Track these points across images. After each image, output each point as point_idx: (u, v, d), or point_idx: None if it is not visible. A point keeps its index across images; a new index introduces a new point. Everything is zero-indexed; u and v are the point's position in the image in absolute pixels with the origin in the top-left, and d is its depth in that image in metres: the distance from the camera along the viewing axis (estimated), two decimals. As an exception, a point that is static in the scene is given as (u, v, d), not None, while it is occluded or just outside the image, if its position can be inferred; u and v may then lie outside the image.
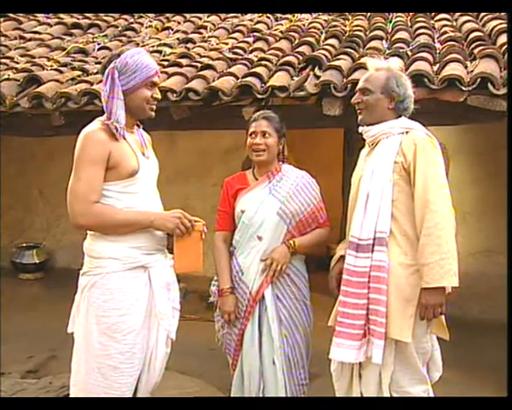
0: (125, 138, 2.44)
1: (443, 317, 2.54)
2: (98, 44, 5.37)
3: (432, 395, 2.67)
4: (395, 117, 2.62)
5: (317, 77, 3.86)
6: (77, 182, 2.36)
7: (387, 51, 4.16)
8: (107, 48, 5.30)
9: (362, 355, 2.51)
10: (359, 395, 2.62)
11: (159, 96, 2.57)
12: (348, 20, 5.39)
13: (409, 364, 2.54)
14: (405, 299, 2.47)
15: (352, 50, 4.29)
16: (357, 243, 2.55)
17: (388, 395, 2.54)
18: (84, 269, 2.48)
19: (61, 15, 6.39)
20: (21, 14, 6.34)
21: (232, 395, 3.05)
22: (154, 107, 2.55)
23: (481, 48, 3.82)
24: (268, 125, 2.94)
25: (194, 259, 2.54)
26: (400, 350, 2.51)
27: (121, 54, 2.44)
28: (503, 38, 3.97)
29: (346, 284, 2.56)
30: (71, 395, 2.50)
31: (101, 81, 3.32)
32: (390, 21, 5.10)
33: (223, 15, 6.10)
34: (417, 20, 5.01)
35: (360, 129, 2.71)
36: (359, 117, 2.69)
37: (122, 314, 2.39)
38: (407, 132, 2.56)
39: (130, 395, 2.47)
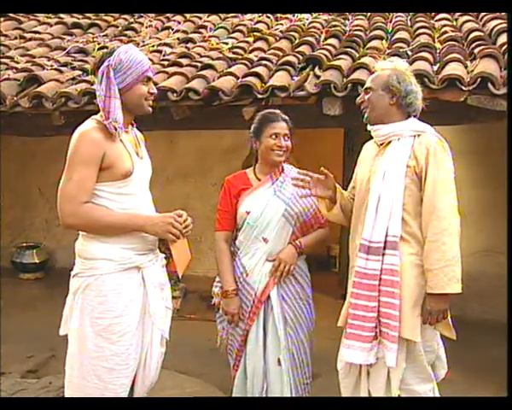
0: (120, 139, 2.40)
1: (448, 317, 2.55)
2: (98, 44, 5.37)
3: (437, 393, 2.67)
4: (402, 116, 2.61)
5: (317, 77, 3.86)
6: (68, 181, 2.33)
7: (387, 51, 4.16)
8: (107, 48, 5.30)
9: (372, 357, 2.51)
10: (367, 393, 2.62)
11: (155, 90, 2.53)
12: (348, 19, 5.39)
13: (416, 362, 2.54)
14: (414, 299, 2.49)
15: (352, 50, 4.29)
16: (368, 246, 2.53)
17: (397, 394, 2.54)
18: (75, 270, 2.44)
19: (61, 15, 6.39)
20: (21, 14, 6.34)
21: (234, 396, 3.05)
22: (151, 102, 2.52)
23: (481, 48, 3.83)
24: (288, 128, 2.94)
25: (187, 255, 2.57)
26: (409, 350, 2.51)
27: (113, 52, 2.39)
28: (503, 38, 3.97)
29: (356, 286, 2.55)
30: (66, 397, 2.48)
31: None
32: (390, 21, 5.11)
33: (223, 15, 6.09)
34: (417, 19, 5.01)
35: (369, 127, 2.70)
36: (365, 116, 2.70)
37: (117, 316, 2.36)
38: (418, 135, 2.55)
39: (126, 396, 2.45)
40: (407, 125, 2.59)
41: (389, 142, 2.61)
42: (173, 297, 2.81)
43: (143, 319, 2.46)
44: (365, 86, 2.71)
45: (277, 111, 3.01)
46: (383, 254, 2.50)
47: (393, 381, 2.53)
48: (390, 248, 2.50)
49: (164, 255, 2.62)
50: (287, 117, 2.97)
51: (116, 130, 2.35)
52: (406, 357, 2.52)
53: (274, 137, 2.91)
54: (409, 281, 2.49)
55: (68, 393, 2.45)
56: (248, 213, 2.91)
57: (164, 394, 3.50)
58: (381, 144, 2.66)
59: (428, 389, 2.60)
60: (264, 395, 2.93)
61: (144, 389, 2.57)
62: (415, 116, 2.65)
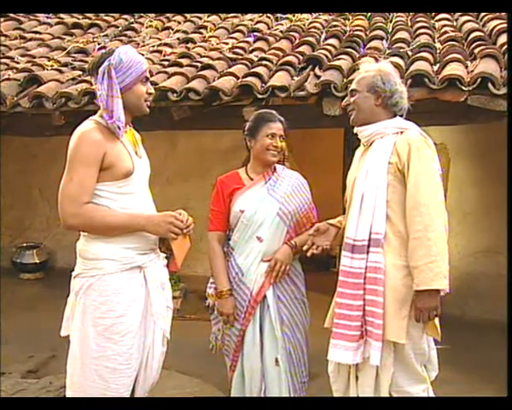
0: (119, 138, 2.41)
1: (436, 318, 2.51)
2: (98, 44, 5.37)
3: (432, 393, 2.67)
4: (387, 116, 2.61)
5: (318, 77, 3.86)
6: (69, 182, 2.33)
7: (388, 51, 4.16)
8: (106, 48, 5.30)
9: (359, 356, 2.50)
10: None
11: (153, 90, 2.54)
12: (348, 19, 5.39)
13: (406, 364, 2.53)
14: (400, 300, 2.46)
15: (352, 50, 4.29)
16: (353, 244, 2.53)
17: (387, 396, 2.53)
18: (77, 271, 2.44)
19: (62, 15, 6.38)
20: (22, 14, 6.34)
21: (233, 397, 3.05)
22: (149, 103, 2.52)
23: (482, 48, 3.83)
24: (283, 129, 2.95)
25: (186, 245, 2.56)
26: (397, 351, 2.50)
27: (112, 52, 2.39)
28: (503, 38, 3.97)
29: (341, 285, 2.55)
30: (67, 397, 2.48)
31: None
32: (390, 21, 5.11)
33: (223, 15, 6.10)
34: (417, 19, 5.01)
35: (355, 129, 2.71)
36: (350, 118, 2.71)
37: (119, 316, 2.37)
38: (401, 133, 2.55)
39: (128, 396, 2.46)
40: (391, 123, 2.59)
41: (373, 141, 2.61)
42: (173, 297, 2.81)
43: (145, 319, 2.47)
44: (351, 88, 2.72)
45: (273, 111, 3.02)
46: (368, 252, 2.49)
47: (383, 385, 2.52)
48: (374, 245, 2.48)
49: (165, 255, 2.63)
50: (282, 118, 2.98)
51: (120, 129, 2.36)
52: (396, 359, 2.50)
53: (271, 137, 2.91)
54: (393, 282, 2.47)
55: (69, 393, 2.45)
56: (242, 211, 2.91)
57: (164, 394, 3.50)
58: (367, 144, 2.66)
59: (422, 390, 2.59)
60: (262, 396, 2.93)
61: (145, 389, 2.57)
62: (401, 116, 2.64)
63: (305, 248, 2.77)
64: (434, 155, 2.53)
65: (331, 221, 2.81)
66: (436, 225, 2.40)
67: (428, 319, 2.43)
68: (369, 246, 2.50)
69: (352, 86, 2.70)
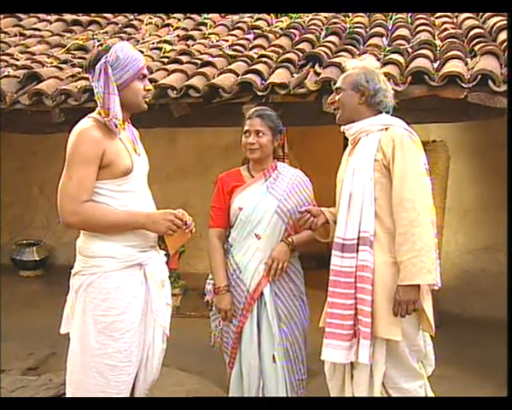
0: (118, 136, 2.41)
1: (430, 313, 2.53)
2: (98, 41, 5.36)
3: (429, 388, 2.68)
4: (372, 113, 2.62)
5: (318, 74, 3.86)
6: (68, 181, 2.33)
7: (388, 48, 4.16)
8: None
9: (352, 355, 2.50)
10: (351, 396, 2.61)
11: (150, 86, 2.55)
12: (348, 17, 5.38)
13: (401, 361, 2.54)
14: (391, 297, 2.46)
15: (352, 47, 4.28)
16: (342, 243, 2.53)
17: (380, 396, 2.53)
18: (76, 268, 2.45)
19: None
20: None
21: (230, 394, 3.05)
22: (147, 99, 2.53)
23: (482, 45, 3.82)
24: (262, 124, 2.92)
25: (184, 240, 2.57)
26: (392, 348, 2.50)
27: (108, 49, 2.39)
28: (503, 35, 3.96)
29: (333, 284, 2.55)
30: (67, 396, 2.48)
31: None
32: (390, 18, 5.10)
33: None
34: (418, 17, 5.00)
35: (342, 128, 2.71)
36: (336, 117, 2.71)
37: (120, 313, 2.38)
38: (386, 129, 2.55)
39: (128, 394, 2.47)
40: (376, 120, 2.60)
41: (359, 139, 2.61)
42: (173, 294, 2.82)
43: (145, 316, 2.48)
44: (336, 86, 2.73)
45: (259, 107, 3.03)
46: (357, 251, 2.50)
47: (376, 382, 2.52)
48: (362, 244, 2.49)
49: (165, 252, 2.63)
50: (266, 113, 2.96)
51: (117, 126, 2.35)
52: (390, 356, 2.51)
53: (247, 134, 2.93)
54: (385, 280, 2.47)
55: (69, 390, 2.46)
56: (241, 209, 2.92)
57: (164, 391, 3.51)
58: (353, 143, 2.66)
59: (419, 386, 2.60)
60: (260, 393, 2.94)
61: (146, 386, 2.58)
62: (387, 113, 2.64)
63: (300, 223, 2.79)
64: (419, 150, 2.54)
65: (324, 209, 2.81)
66: (421, 220, 2.40)
67: (407, 313, 2.43)
68: (358, 245, 2.50)
69: (338, 84, 2.71)
